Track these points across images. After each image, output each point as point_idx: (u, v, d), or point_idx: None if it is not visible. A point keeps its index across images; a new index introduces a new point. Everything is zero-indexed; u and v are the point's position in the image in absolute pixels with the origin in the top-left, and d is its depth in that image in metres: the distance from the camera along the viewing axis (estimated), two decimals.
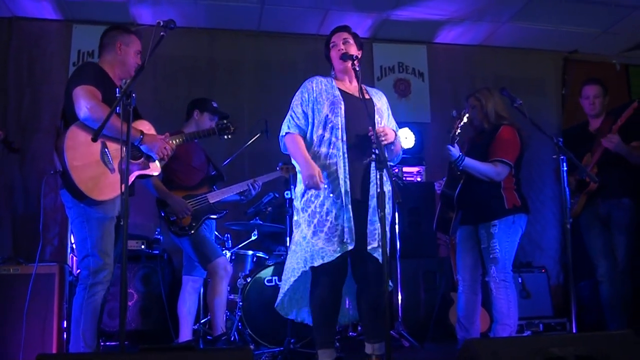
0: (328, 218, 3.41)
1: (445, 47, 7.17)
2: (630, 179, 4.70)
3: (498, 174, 4.05)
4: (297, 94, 3.68)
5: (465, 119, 3.89)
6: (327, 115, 3.51)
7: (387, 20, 6.51)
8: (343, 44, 3.63)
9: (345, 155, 3.46)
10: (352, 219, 3.39)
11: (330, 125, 3.50)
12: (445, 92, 7.01)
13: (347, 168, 3.44)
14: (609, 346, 2.61)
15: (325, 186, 3.43)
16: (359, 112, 3.49)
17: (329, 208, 3.42)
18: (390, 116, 3.77)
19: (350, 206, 3.40)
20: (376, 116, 3.56)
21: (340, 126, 3.49)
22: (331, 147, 3.49)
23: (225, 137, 4.41)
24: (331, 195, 3.42)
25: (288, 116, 3.64)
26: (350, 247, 3.37)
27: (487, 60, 7.18)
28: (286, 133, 3.62)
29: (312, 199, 3.47)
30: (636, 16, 6.29)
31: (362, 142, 3.46)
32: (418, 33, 6.87)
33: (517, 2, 6.11)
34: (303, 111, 3.60)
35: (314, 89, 3.62)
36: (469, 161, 4.04)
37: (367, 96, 3.59)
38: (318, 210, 3.44)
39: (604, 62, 7.40)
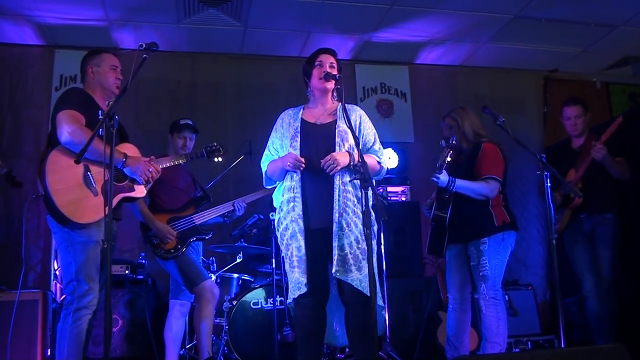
0: (294, 248, 3.41)
1: (426, 67, 7.23)
2: (614, 194, 4.73)
3: (491, 190, 4.07)
4: (272, 131, 3.73)
5: (452, 150, 3.91)
6: (289, 150, 3.54)
7: (369, 42, 6.56)
8: (329, 67, 3.63)
9: (299, 187, 3.46)
10: (303, 247, 3.37)
11: None
12: (427, 112, 7.05)
13: (299, 198, 3.44)
14: None
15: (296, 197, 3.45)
16: (317, 140, 3.53)
17: (295, 239, 3.41)
18: (366, 129, 3.66)
19: (301, 235, 3.39)
20: (337, 139, 3.52)
21: None
22: (292, 180, 3.50)
23: (216, 160, 4.41)
24: (296, 228, 3.41)
25: (264, 154, 3.70)
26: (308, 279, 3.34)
27: (469, 80, 7.25)
28: (266, 177, 3.71)
29: (283, 231, 3.49)
30: (615, 35, 6.39)
31: (320, 169, 3.41)
32: (400, 54, 6.93)
33: (496, 24, 6.18)
34: (274, 149, 3.66)
35: (282, 125, 3.67)
36: (460, 183, 4.05)
37: (333, 118, 3.59)
38: (289, 242, 3.44)
39: (584, 81, 7.50)
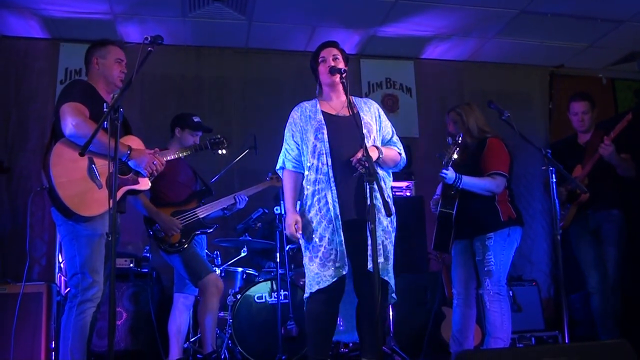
0: (322, 243, 3.38)
1: (432, 62, 7.22)
2: (620, 191, 4.71)
3: (498, 186, 4.05)
4: (287, 124, 3.68)
5: (458, 147, 3.90)
6: (314, 143, 3.51)
7: (374, 36, 6.55)
8: (333, 60, 3.63)
9: (332, 179, 3.43)
10: (343, 242, 3.36)
11: (317, 152, 3.49)
12: (433, 107, 7.04)
13: (334, 192, 3.41)
14: (602, 356, 2.60)
15: (318, 215, 3.43)
16: (343, 131, 3.50)
17: (322, 233, 3.39)
18: (385, 122, 3.73)
19: (341, 230, 3.37)
20: (364, 130, 3.53)
21: (325, 151, 3.47)
22: (319, 172, 3.47)
23: (220, 152, 4.39)
24: (323, 221, 3.40)
25: (283, 149, 3.66)
26: (344, 272, 3.34)
27: (474, 76, 7.23)
28: (281, 167, 3.67)
29: (309, 223, 3.46)
30: (621, 30, 6.36)
31: (349, 162, 3.41)
32: (405, 49, 6.92)
33: (502, 19, 6.16)
34: (295, 142, 3.60)
35: (301, 117, 3.63)
36: (467, 179, 4.03)
37: (355, 110, 3.55)
38: (313, 235, 3.42)
39: (590, 76, 7.48)
